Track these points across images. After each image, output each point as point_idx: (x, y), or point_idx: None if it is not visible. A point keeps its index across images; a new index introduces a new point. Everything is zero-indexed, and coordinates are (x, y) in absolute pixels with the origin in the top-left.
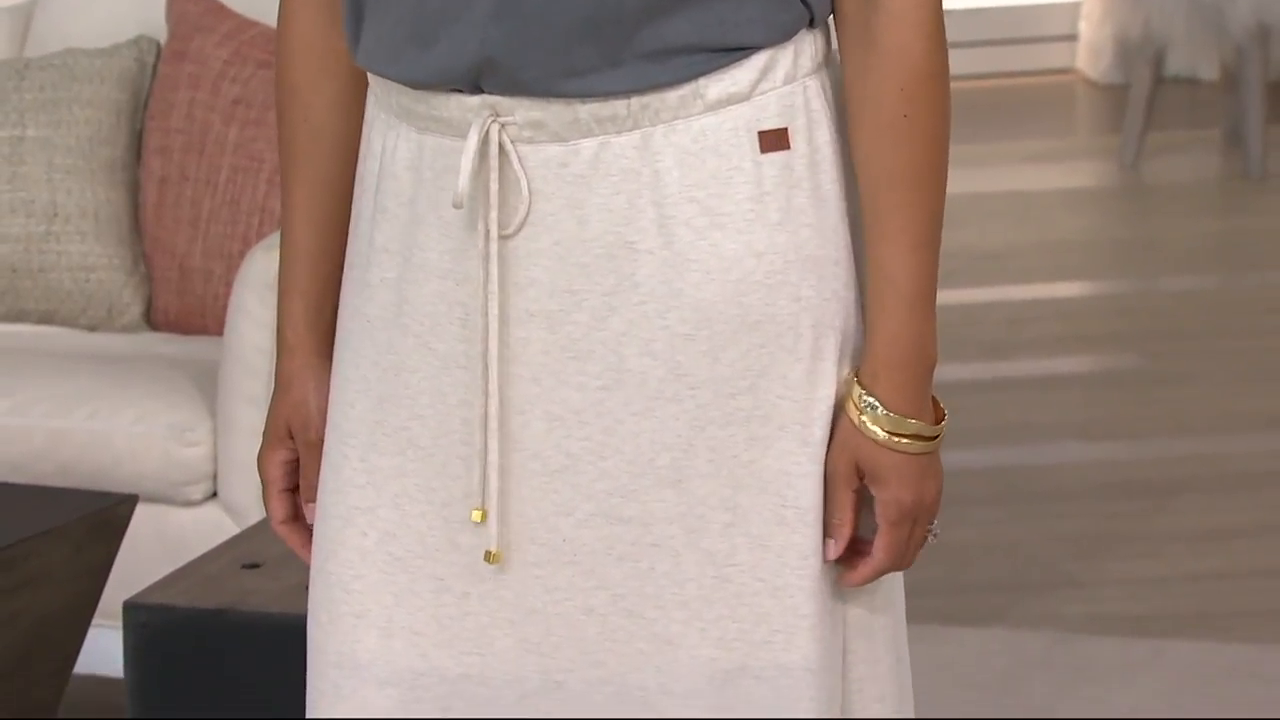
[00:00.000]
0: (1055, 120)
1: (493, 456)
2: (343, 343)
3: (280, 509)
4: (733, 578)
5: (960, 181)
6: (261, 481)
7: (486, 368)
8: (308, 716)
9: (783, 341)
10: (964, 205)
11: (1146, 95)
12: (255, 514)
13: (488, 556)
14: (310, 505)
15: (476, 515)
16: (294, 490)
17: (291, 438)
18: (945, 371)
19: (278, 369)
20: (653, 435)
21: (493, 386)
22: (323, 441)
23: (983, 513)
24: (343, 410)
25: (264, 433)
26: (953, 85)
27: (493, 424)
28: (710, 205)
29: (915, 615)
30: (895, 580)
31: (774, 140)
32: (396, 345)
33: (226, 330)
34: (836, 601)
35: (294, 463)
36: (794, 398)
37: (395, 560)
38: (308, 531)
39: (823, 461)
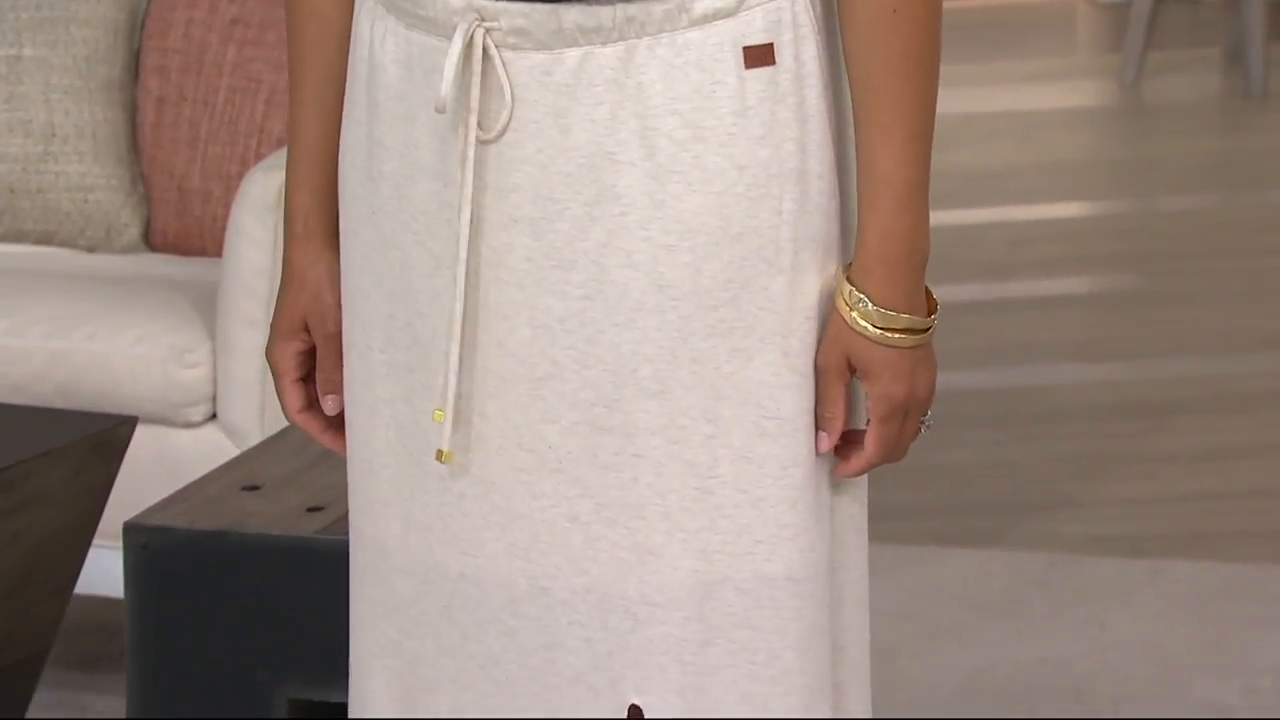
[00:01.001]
0: (1055, 39)
1: (453, 360)
2: (351, 232)
3: (296, 399)
4: (715, 490)
5: (959, 101)
6: (274, 374)
7: (455, 271)
8: (351, 586)
9: (764, 254)
10: (962, 125)
11: (1147, 13)
12: (255, 436)
13: (438, 455)
14: (329, 397)
15: (438, 415)
16: (306, 380)
17: (306, 330)
18: (943, 292)
19: (287, 262)
20: (635, 346)
21: (459, 289)
22: (340, 334)
23: (981, 434)
24: (359, 300)
25: (273, 326)
26: (952, 5)
27: (455, 327)
28: (693, 119)
29: (913, 537)
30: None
31: (759, 56)
32: (400, 240)
33: (225, 252)
34: (822, 512)
35: (306, 354)
36: (775, 310)
37: (409, 454)
38: (324, 419)
39: (803, 372)
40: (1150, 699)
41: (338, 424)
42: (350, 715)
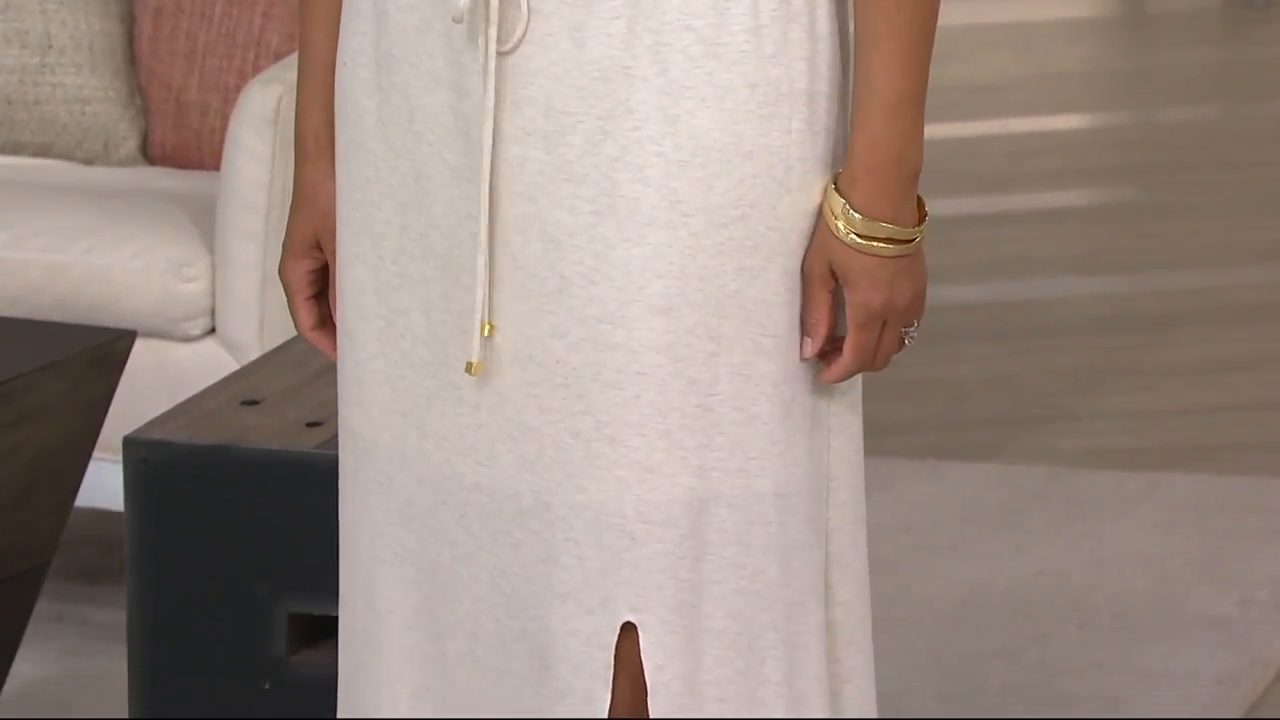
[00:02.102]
0: None
1: (481, 274)
2: (356, 143)
3: (308, 316)
4: (713, 407)
5: (959, 13)
6: (286, 292)
7: (480, 186)
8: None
9: (774, 173)
10: (962, 37)
11: None
12: (254, 350)
13: (469, 367)
14: None
15: (486, 329)
16: (318, 297)
17: (319, 248)
18: (942, 206)
19: (299, 180)
20: (644, 263)
21: (484, 205)
22: None
23: (980, 347)
24: (369, 211)
25: (285, 244)
26: None
27: (482, 237)
28: (707, 35)
29: (912, 451)
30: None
31: None
32: (412, 151)
33: (224, 166)
34: (813, 429)
35: (318, 271)
36: (780, 229)
37: (425, 365)
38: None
39: (797, 290)
40: (1147, 611)
41: None
42: (350, 623)
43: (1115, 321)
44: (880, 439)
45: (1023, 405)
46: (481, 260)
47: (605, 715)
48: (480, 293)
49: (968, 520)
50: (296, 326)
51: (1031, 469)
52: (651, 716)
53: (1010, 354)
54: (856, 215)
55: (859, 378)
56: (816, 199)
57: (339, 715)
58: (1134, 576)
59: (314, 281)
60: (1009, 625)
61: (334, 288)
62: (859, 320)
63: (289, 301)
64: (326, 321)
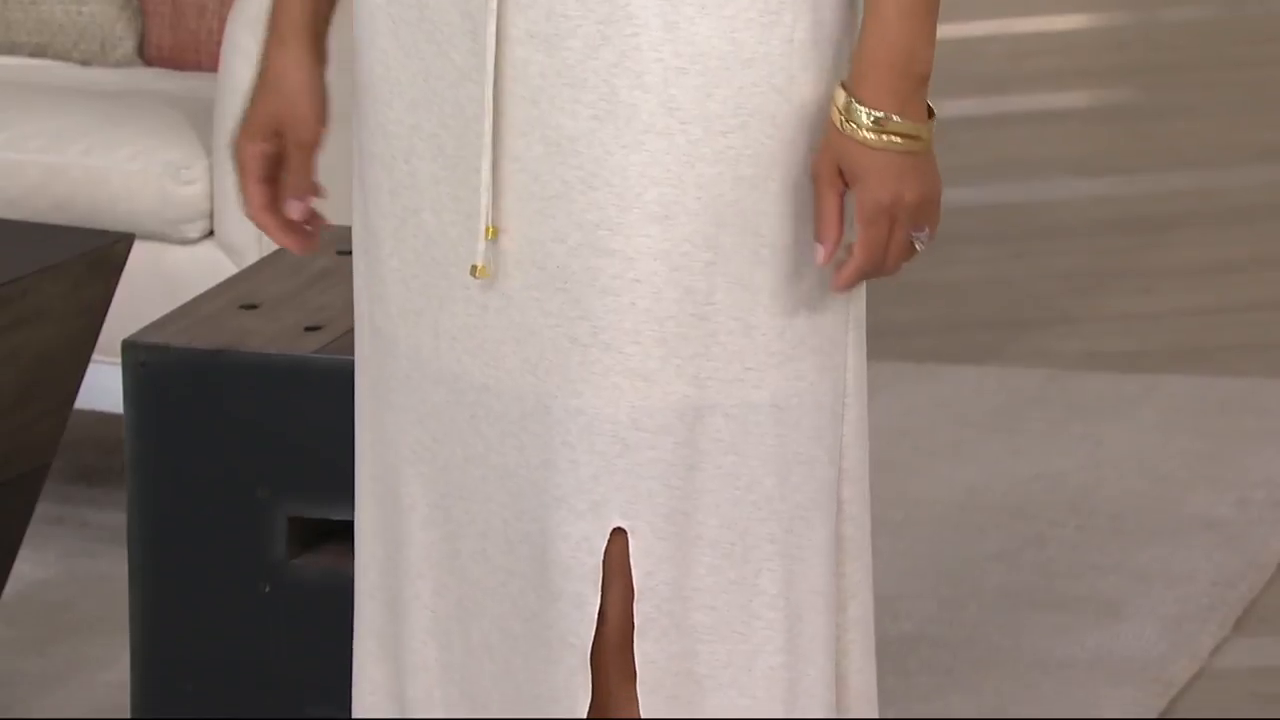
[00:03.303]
0: None
1: (485, 176)
2: (367, 42)
3: (257, 195)
4: (710, 316)
5: None
6: (237, 169)
7: (496, 84)
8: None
9: (774, 82)
10: None
11: None
12: (253, 254)
13: (473, 270)
14: (294, 201)
15: (490, 233)
16: (270, 180)
17: (277, 135)
18: (942, 107)
19: (267, 63)
20: (642, 169)
21: (488, 106)
22: (314, 143)
23: (979, 250)
24: (382, 110)
25: (243, 122)
26: None
27: (486, 139)
28: None
29: (911, 354)
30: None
31: None
32: (422, 50)
33: (221, 67)
34: (814, 342)
35: (273, 157)
36: (780, 139)
37: (436, 265)
38: (283, 219)
39: (802, 202)
40: (1145, 512)
41: (295, 226)
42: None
43: (1114, 223)
44: (879, 342)
45: (1021, 308)
46: (486, 163)
47: (594, 619)
48: (485, 196)
49: (966, 423)
50: (243, 204)
51: (1030, 371)
52: (637, 620)
53: (1009, 256)
54: (863, 109)
55: (864, 297)
56: (819, 110)
57: (357, 603)
58: (1132, 478)
59: (266, 165)
60: (1007, 528)
61: (292, 174)
62: (867, 216)
63: (239, 179)
64: (275, 203)
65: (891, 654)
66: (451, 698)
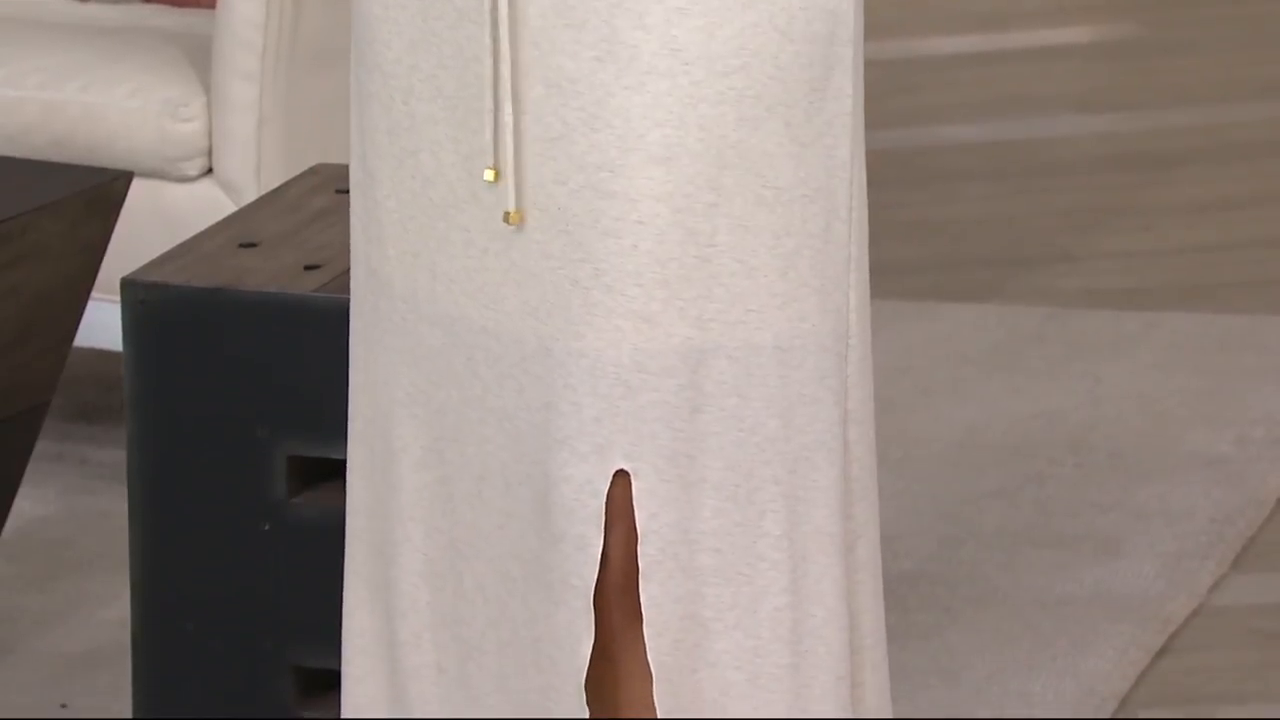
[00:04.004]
0: None
1: (506, 118)
2: None
3: None
4: (712, 258)
5: None
6: None
7: (495, 25)
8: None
9: (776, 22)
10: None
11: None
12: (251, 192)
13: (506, 217)
14: None
15: (490, 175)
16: None
17: None
18: (941, 44)
19: None
20: (644, 110)
21: (503, 48)
22: None
23: (978, 187)
24: (380, 50)
25: None
26: None
27: (504, 86)
28: None
29: (910, 292)
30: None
31: None
32: None
33: (219, 4)
34: (834, 286)
35: None
36: (783, 79)
37: (434, 206)
38: None
39: (804, 142)
40: (1144, 450)
41: None
42: (368, 458)
43: (1114, 160)
44: (878, 280)
45: (1021, 245)
46: (507, 106)
47: (597, 561)
48: (488, 136)
49: (965, 361)
50: None
51: (1030, 309)
52: (641, 563)
53: (1009, 194)
54: None
55: (866, 236)
56: (822, 50)
57: (348, 546)
58: (1131, 416)
59: None
60: (1006, 466)
61: None
62: None
63: None
64: None
65: (891, 592)
66: (442, 640)
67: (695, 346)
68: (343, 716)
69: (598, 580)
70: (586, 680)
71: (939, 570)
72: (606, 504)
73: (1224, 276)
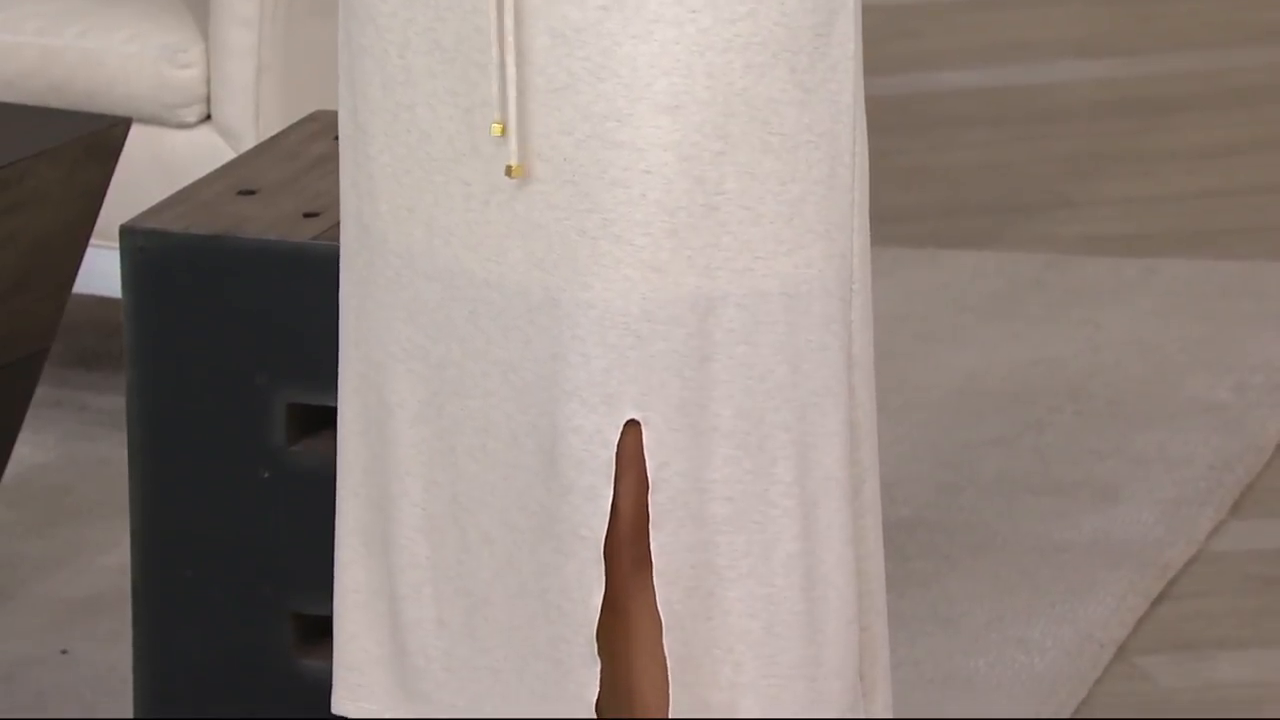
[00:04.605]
0: None
1: (510, 71)
2: None
3: None
4: (720, 206)
5: None
6: None
7: None
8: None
9: None
10: None
11: None
12: (250, 139)
13: (509, 170)
14: None
15: (496, 129)
16: None
17: None
18: None
19: None
20: (651, 59)
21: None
22: None
23: (977, 134)
24: (373, 3)
25: None
26: None
27: (509, 38)
28: None
29: (909, 239)
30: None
31: None
32: None
33: None
34: (839, 231)
35: None
36: (789, 25)
37: (432, 160)
38: None
39: (808, 88)
40: (1144, 397)
41: None
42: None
43: (1114, 105)
44: (879, 227)
45: (1021, 192)
46: (510, 58)
47: (607, 511)
48: (494, 90)
49: (965, 308)
50: None
51: (1030, 256)
52: (652, 512)
53: (1009, 140)
54: None
55: (867, 180)
56: None
57: (340, 502)
58: (1130, 363)
59: None
60: (1005, 413)
61: None
62: None
63: None
64: None
65: (889, 539)
66: (445, 594)
67: (704, 295)
68: (336, 673)
69: (607, 531)
70: (596, 631)
71: (938, 517)
72: (616, 454)
73: (1224, 222)
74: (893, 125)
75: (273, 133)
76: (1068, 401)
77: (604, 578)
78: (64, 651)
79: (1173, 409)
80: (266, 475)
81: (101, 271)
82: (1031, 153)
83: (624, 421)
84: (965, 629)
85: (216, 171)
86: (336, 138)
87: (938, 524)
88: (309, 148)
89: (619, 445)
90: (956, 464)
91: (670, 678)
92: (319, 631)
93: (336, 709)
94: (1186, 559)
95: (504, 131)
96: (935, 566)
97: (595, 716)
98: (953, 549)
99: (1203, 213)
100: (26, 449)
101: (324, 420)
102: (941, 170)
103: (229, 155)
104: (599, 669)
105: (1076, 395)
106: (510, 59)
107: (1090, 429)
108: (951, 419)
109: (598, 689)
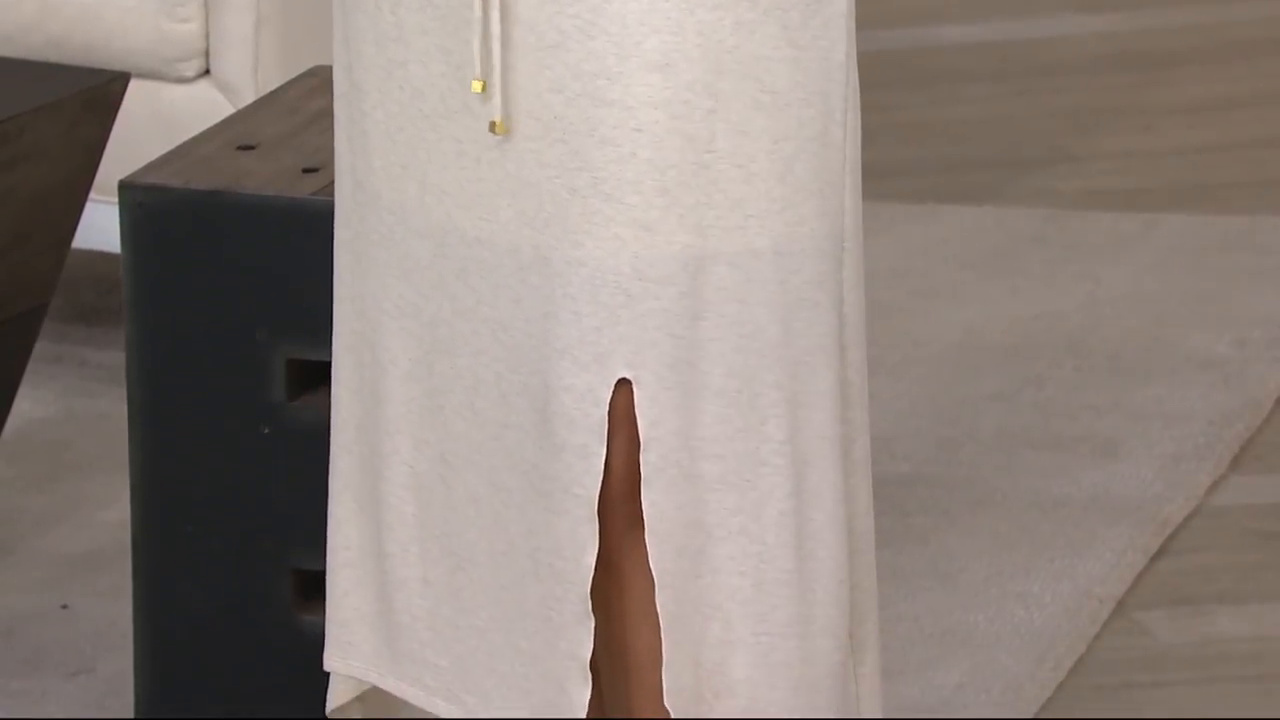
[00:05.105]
0: None
1: (494, 28)
2: None
3: None
4: (711, 164)
5: None
6: None
7: None
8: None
9: None
10: None
11: None
12: (249, 93)
13: (492, 127)
14: None
15: (476, 86)
16: None
17: None
18: None
19: None
20: (641, 17)
21: None
22: None
23: (977, 88)
24: None
25: None
26: None
27: None
28: None
29: (909, 194)
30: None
31: None
32: None
33: None
34: (831, 188)
35: None
36: None
37: (424, 118)
38: None
39: (800, 45)
40: (1143, 352)
41: None
42: (356, 370)
43: (1114, 60)
44: (878, 182)
45: (1020, 146)
46: (495, 15)
47: (600, 470)
48: (477, 45)
49: (964, 263)
50: None
51: (1029, 211)
52: (644, 470)
53: (1009, 94)
54: None
55: (859, 138)
56: None
57: (334, 458)
58: (1130, 317)
59: None
60: (1005, 368)
61: None
62: None
63: None
64: None
65: (888, 495)
66: (431, 553)
67: (695, 253)
68: (328, 630)
69: (600, 489)
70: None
71: (937, 473)
72: (608, 413)
73: (1224, 177)
74: (893, 80)
75: (272, 87)
76: (1067, 356)
77: (597, 536)
78: (64, 606)
79: (1172, 364)
80: (266, 430)
81: (100, 226)
82: (1032, 107)
83: (615, 380)
84: (964, 584)
85: (215, 126)
86: None
87: (937, 479)
88: (308, 103)
89: (610, 404)
90: (956, 419)
91: (663, 635)
92: (318, 587)
93: (327, 665)
94: (1186, 514)
95: (484, 89)
96: (934, 522)
97: (589, 674)
98: (952, 504)
99: (1203, 167)
100: (26, 404)
101: (323, 375)
102: (941, 125)
103: (228, 110)
104: (593, 626)
105: (1076, 350)
106: (495, 16)
107: (1090, 384)
108: (951, 374)
109: (591, 647)
